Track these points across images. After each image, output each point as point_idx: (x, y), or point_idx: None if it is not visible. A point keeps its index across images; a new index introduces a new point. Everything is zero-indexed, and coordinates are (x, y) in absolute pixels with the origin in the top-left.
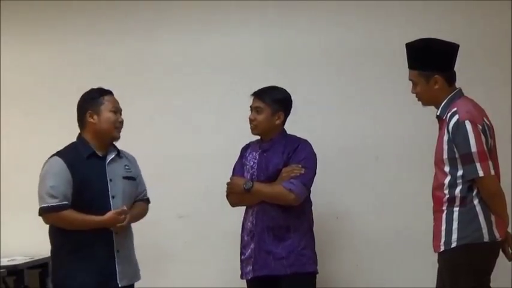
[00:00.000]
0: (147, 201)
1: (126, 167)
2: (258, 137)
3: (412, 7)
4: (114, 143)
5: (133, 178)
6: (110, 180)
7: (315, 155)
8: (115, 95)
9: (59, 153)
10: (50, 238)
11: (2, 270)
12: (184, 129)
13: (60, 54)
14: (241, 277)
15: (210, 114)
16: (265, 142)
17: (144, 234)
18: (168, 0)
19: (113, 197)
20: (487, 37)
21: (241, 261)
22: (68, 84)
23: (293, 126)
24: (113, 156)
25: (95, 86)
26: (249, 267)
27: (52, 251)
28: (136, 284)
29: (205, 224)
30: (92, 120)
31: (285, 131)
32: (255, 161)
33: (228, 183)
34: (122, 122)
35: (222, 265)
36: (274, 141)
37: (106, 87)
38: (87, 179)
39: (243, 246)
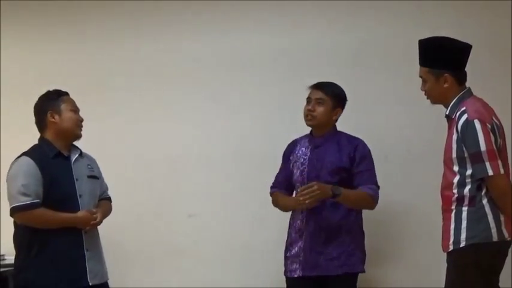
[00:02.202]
0: (110, 199)
1: (89, 167)
2: (274, 136)
3: (412, 7)
4: (75, 143)
5: (97, 177)
6: (76, 179)
7: (370, 152)
8: (122, 94)
9: (26, 153)
10: (16, 240)
11: (11, 269)
12: (195, 129)
13: (61, 54)
14: (285, 274)
15: (221, 114)
16: (316, 138)
17: (154, 232)
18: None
19: (80, 196)
20: (487, 37)
21: (286, 257)
22: (68, 84)
23: (303, 126)
24: (77, 156)
25: (96, 86)
26: (295, 265)
27: (19, 253)
28: (147, 281)
29: (214, 223)
30: (53, 120)
31: (336, 127)
32: (306, 157)
33: (311, 190)
34: (82, 121)
35: (231, 263)
36: (327, 138)
37: (109, 88)
38: (55, 179)
39: (290, 243)
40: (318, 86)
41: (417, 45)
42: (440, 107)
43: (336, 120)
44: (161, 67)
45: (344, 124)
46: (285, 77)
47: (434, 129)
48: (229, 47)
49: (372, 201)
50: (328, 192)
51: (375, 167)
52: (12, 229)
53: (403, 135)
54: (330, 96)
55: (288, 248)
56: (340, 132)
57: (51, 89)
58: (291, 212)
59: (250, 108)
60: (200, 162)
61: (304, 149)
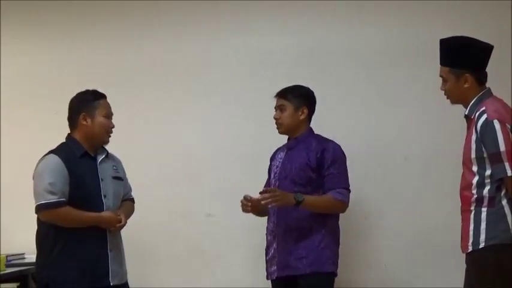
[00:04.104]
0: (133, 200)
1: (114, 168)
2: (286, 137)
3: (411, 7)
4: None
5: (121, 178)
6: (102, 179)
7: (344, 155)
8: (130, 95)
9: (54, 151)
10: (39, 238)
11: (31, 267)
12: (212, 129)
13: (61, 54)
14: (267, 278)
15: (238, 115)
16: (291, 141)
17: (173, 232)
18: (193, 0)
19: (105, 196)
20: (487, 37)
21: (266, 261)
22: (69, 84)
23: (322, 126)
24: (103, 156)
25: (99, 86)
26: (273, 268)
27: (42, 251)
28: (167, 281)
29: (233, 223)
30: (85, 122)
31: (312, 130)
32: (281, 160)
33: (272, 195)
34: (113, 127)
35: (249, 263)
36: (299, 140)
37: (115, 88)
38: (81, 178)
39: (267, 247)
40: (278, 94)
41: (431, 45)
42: (460, 107)
43: (306, 119)
44: (173, 68)
45: (362, 124)
46: (306, 78)
47: (453, 129)
48: (251, 48)
49: (339, 206)
50: (290, 200)
51: (394, 167)
52: (29, 228)
53: (422, 135)
54: (289, 99)
55: (266, 252)
56: (315, 134)
57: (90, 88)
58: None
59: (269, 110)
60: (217, 161)
61: (282, 153)
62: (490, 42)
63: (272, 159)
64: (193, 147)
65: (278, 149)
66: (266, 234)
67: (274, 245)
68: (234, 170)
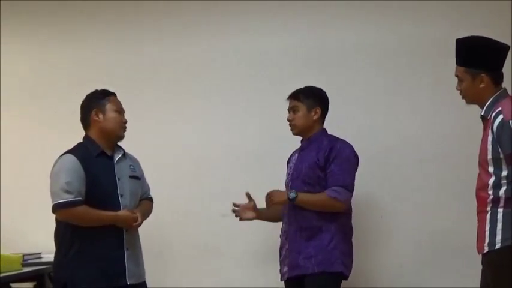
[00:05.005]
0: (151, 200)
1: (131, 167)
2: (285, 136)
3: (411, 7)
4: (119, 143)
5: (138, 178)
6: (118, 179)
7: (355, 155)
8: (130, 95)
9: (70, 151)
10: (57, 237)
11: (47, 267)
12: (212, 129)
13: (61, 54)
14: (280, 279)
15: (238, 115)
16: (304, 141)
17: (188, 232)
18: (193, 0)
19: (121, 196)
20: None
21: (280, 262)
22: (69, 84)
23: (335, 126)
24: (120, 156)
25: (99, 86)
26: (285, 268)
27: (60, 250)
28: (183, 281)
29: (248, 223)
30: (97, 118)
31: (325, 130)
32: (294, 162)
33: (269, 195)
34: (125, 123)
35: (265, 264)
36: (312, 140)
37: (115, 88)
38: (97, 177)
39: (280, 248)
40: (290, 95)
41: (426, 45)
42: (476, 107)
43: (320, 120)
44: (173, 68)
45: (376, 123)
46: (316, 78)
47: (469, 129)
48: (259, 48)
49: (333, 204)
50: (283, 197)
51: (409, 167)
52: (47, 228)
53: (437, 135)
54: (301, 100)
55: (280, 253)
56: (327, 134)
57: (91, 89)
58: None
59: (283, 110)
60: (218, 161)
61: (296, 154)
62: None
63: (288, 162)
64: (193, 147)
65: (294, 152)
66: (280, 235)
67: (286, 245)
68: (234, 169)
